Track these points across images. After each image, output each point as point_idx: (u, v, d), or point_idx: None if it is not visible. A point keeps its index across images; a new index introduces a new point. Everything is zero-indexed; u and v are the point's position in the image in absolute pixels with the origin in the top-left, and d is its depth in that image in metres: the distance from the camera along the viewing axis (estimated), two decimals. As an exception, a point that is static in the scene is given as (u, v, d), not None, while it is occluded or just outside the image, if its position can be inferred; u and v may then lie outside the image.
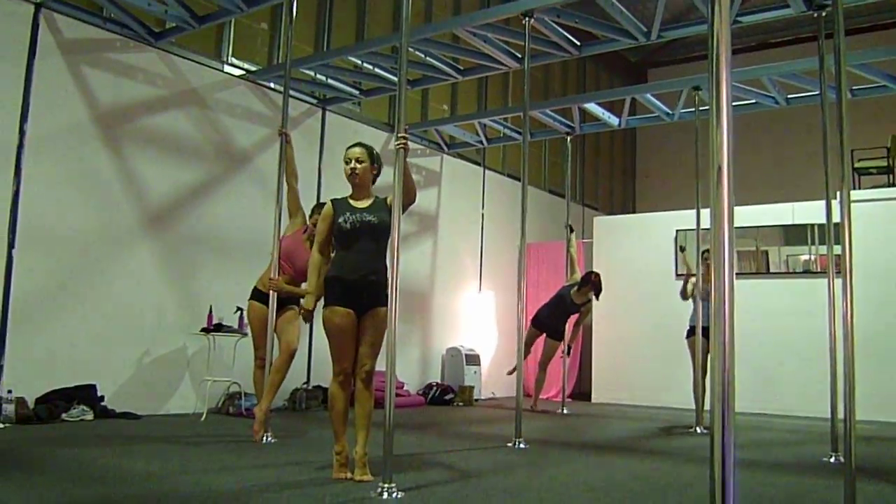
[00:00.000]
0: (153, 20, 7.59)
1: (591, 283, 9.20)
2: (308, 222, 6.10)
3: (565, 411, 9.44)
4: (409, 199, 4.26)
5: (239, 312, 7.43)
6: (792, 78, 8.23)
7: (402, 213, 4.15)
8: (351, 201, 4.43)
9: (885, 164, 11.29)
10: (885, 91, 8.24)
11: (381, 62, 8.59)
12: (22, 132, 6.53)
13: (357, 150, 4.47)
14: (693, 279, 7.93)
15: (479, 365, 11.09)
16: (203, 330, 7.35)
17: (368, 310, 4.29)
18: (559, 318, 9.53)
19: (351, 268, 4.29)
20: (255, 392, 6.25)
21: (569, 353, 9.62)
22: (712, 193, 1.90)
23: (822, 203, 5.80)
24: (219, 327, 7.37)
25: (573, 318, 9.60)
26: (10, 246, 6.40)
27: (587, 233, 13.00)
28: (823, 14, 6.24)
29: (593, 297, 9.39)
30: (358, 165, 4.42)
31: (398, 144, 4.10)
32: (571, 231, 9.72)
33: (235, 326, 7.43)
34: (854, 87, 8.23)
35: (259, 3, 7.08)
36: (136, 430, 6.20)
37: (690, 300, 7.96)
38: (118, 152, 7.29)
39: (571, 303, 9.42)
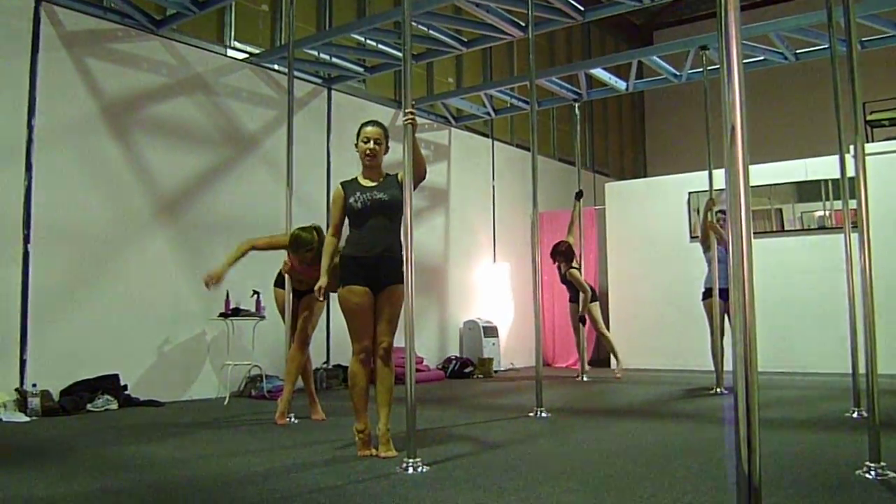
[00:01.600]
0: (154, 7, 7.56)
1: (553, 255, 9.53)
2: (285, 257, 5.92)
3: (585, 378, 9.45)
4: (419, 174, 4.25)
5: (256, 296, 7.46)
6: (800, 32, 8.13)
7: (413, 189, 4.14)
8: (361, 180, 4.43)
9: (898, 115, 11.16)
10: (894, 41, 8.12)
11: (384, 38, 8.54)
12: (30, 127, 6.55)
13: (375, 129, 4.45)
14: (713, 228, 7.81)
15: (497, 336, 11.11)
16: (221, 315, 7.39)
17: (384, 287, 4.30)
18: (573, 291, 9.61)
19: (365, 246, 4.30)
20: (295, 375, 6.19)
21: (583, 322, 9.63)
22: (726, 153, 1.88)
23: (835, 158, 5.73)
24: (236, 312, 7.41)
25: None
26: (26, 241, 6.44)
27: (598, 199, 12.95)
28: (830, -35, 6.13)
29: (574, 268, 9.51)
30: (376, 147, 4.41)
31: (406, 120, 4.08)
32: (578, 198, 9.68)
33: (253, 310, 7.47)
34: (863, 39, 8.11)
35: (258, -16, 7.04)
36: (161, 417, 6.26)
37: (706, 261, 7.90)
38: (127, 142, 7.30)
39: (565, 277, 9.62)
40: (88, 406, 6.44)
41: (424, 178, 4.36)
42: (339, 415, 6.03)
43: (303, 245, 5.59)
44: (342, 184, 4.47)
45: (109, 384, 6.74)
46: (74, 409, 6.33)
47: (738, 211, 1.85)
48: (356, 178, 4.45)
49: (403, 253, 4.09)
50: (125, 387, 6.89)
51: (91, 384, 6.63)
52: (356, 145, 4.49)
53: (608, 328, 11.35)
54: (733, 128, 1.87)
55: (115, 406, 6.59)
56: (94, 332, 6.86)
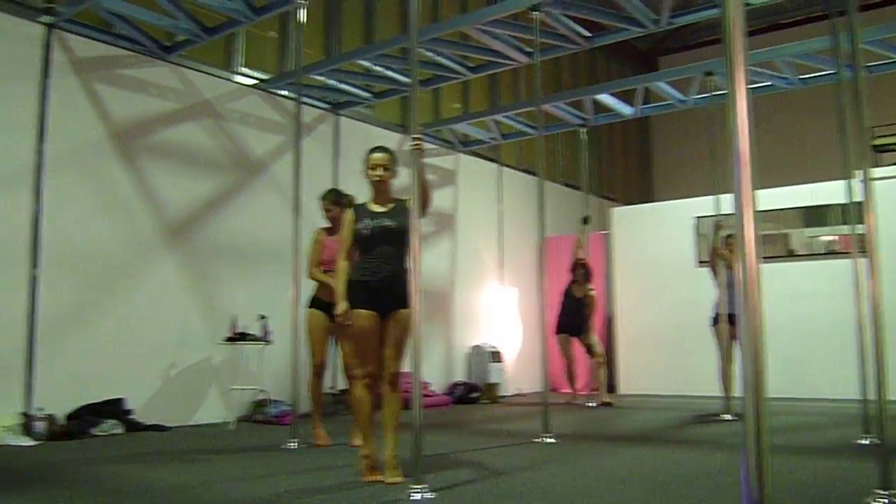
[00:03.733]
0: (163, 34, 7.63)
1: (573, 270, 9.63)
2: (322, 206, 6.18)
3: (592, 404, 9.40)
4: (424, 203, 4.27)
5: (263, 320, 7.46)
6: (806, 58, 8.16)
7: (421, 217, 4.15)
8: (370, 206, 4.45)
9: (905, 139, 11.17)
10: (900, 66, 8.15)
11: (391, 64, 8.59)
12: (40, 152, 6.59)
13: (383, 156, 4.47)
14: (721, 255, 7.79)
15: (503, 361, 11.07)
16: (227, 339, 7.39)
17: (391, 312, 4.30)
18: (577, 315, 9.55)
19: (372, 271, 4.31)
20: (311, 401, 6.22)
21: (590, 351, 9.60)
22: (734, 178, 1.88)
23: (842, 183, 5.75)
24: (243, 336, 7.40)
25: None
26: (34, 265, 6.46)
27: (605, 224, 12.95)
28: (834, -9, 6.18)
29: (591, 292, 9.62)
30: (384, 173, 4.44)
31: (413, 146, 4.10)
32: (586, 223, 9.69)
33: (259, 335, 7.46)
34: (869, 64, 8.14)
35: (267, 11, 7.10)
36: (166, 442, 6.24)
37: (715, 287, 7.88)
38: (135, 167, 7.34)
39: (575, 297, 9.62)
40: (94, 430, 6.42)
41: (429, 206, 4.39)
42: (347, 440, 6.00)
43: (339, 194, 6.12)
44: (354, 207, 4.51)
45: (115, 408, 6.73)
46: (80, 434, 6.31)
47: (745, 236, 1.84)
48: (366, 203, 4.48)
49: (410, 277, 4.09)
50: (131, 411, 6.87)
51: (97, 408, 6.62)
52: (364, 171, 4.51)
53: (615, 353, 11.35)
54: (740, 153, 1.87)
55: (120, 430, 6.58)
56: (100, 355, 6.85)
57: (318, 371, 6.08)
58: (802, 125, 14.05)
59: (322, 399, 6.29)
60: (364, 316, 4.27)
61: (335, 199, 6.14)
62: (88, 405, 6.59)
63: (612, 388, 11.41)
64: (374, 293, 4.29)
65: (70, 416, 6.47)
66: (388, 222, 4.34)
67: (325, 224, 6.19)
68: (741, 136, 1.87)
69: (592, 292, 9.67)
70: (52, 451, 5.56)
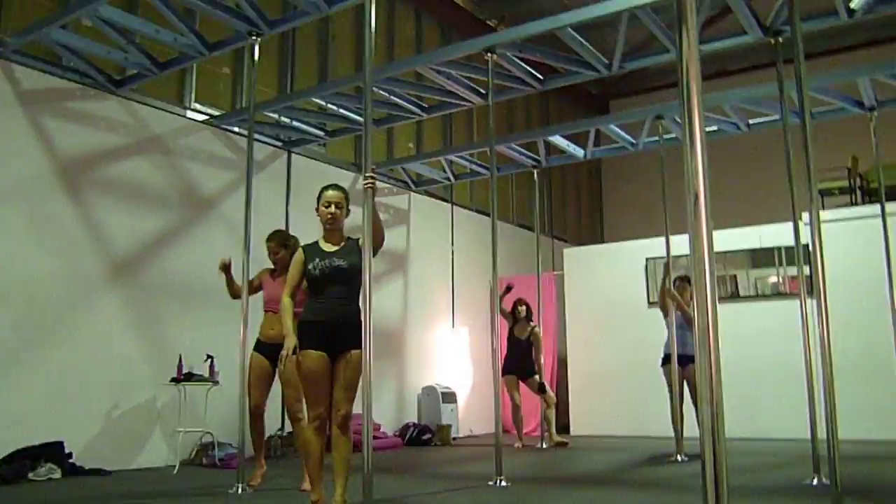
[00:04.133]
0: (113, 68, 7.52)
1: (512, 311, 9.63)
2: (267, 247, 6.08)
3: (545, 445, 9.34)
4: (377, 241, 4.23)
5: (209, 360, 7.29)
6: (752, 104, 8.34)
7: (373, 255, 4.11)
8: (322, 245, 4.38)
9: (847, 183, 11.46)
10: (842, 113, 8.37)
11: (345, 102, 8.58)
12: (-20, 185, 6.41)
13: (336, 193, 4.42)
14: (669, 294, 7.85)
15: (455, 402, 10.98)
16: (173, 380, 7.19)
17: (342, 353, 4.21)
18: (525, 357, 9.53)
19: (323, 311, 4.24)
20: (253, 444, 6.07)
21: (542, 391, 9.54)
22: (689, 220, 1.87)
23: (788, 225, 5.85)
24: (189, 376, 7.22)
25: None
26: (-29, 302, 6.24)
27: (557, 265, 13.02)
28: (780, 40, 6.34)
29: (533, 329, 9.61)
30: (337, 211, 4.38)
31: (366, 184, 4.06)
32: (507, 292, 9.56)
33: (206, 375, 7.29)
34: (813, 110, 8.34)
35: (220, 47, 7.04)
36: (107, 487, 6.01)
37: (666, 327, 7.92)
38: (81, 201, 7.17)
39: (520, 339, 9.59)
40: (30, 475, 6.16)
41: (382, 246, 4.34)
42: (294, 484, 5.86)
43: (286, 237, 6.09)
44: (303, 248, 4.42)
45: (53, 452, 6.46)
46: (15, 479, 6.04)
47: (702, 277, 1.83)
48: (317, 242, 4.40)
49: (362, 318, 4.01)
50: (70, 455, 6.62)
51: (34, 452, 6.35)
52: (317, 209, 4.45)
53: (567, 393, 11.35)
54: (696, 195, 1.87)
55: (58, 475, 6.32)
56: (38, 396, 6.61)
57: (255, 413, 5.93)
58: (749, 169, 14.34)
59: (263, 440, 6.11)
60: (314, 357, 4.18)
61: (282, 242, 6.06)
62: (25, 448, 6.32)
63: (565, 428, 11.38)
64: (324, 333, 4.20)
65: (4, 461, 6.19)
66: (339, 262, 4.27)
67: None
68: (697, 178, 1.86)
69: (537, 329, 9.66)
70: (-15, 498, 5.33)
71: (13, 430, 6.36)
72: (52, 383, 6.72)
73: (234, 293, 6.11)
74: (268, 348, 5.86)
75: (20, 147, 6.78)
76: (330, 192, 4.43)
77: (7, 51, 6.66)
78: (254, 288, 6.09)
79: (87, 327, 7.06)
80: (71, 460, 6.60)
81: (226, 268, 6.02)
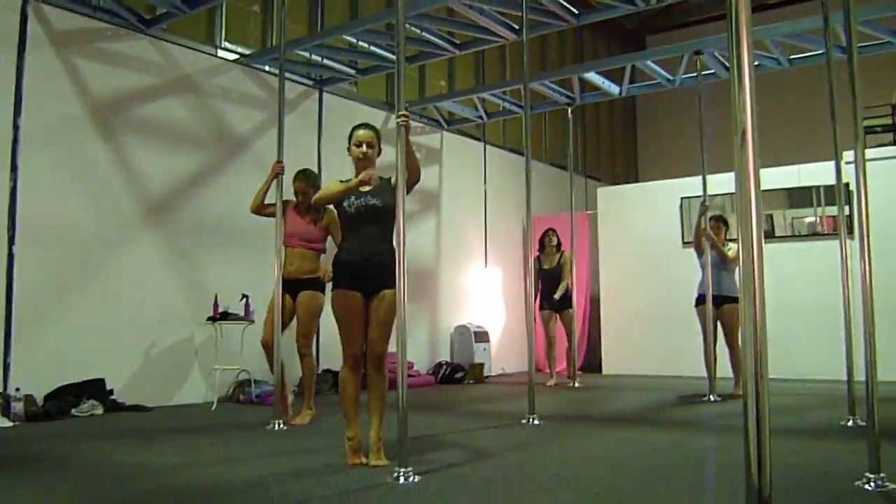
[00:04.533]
0: (143, 7, 7.47)
1: (540, 241, 9.72)
2: (294, 186, 6.14)
3: (577, 384, 9.39)
4: (413, 178, 4.19)
5: (245, 300, 7.37)
6: (795, 38, 8.10)
7: (407, 193, 4.08)
8: None
9: (891, 121, 11.15)
10: (888, 48, 8.11)
11: (376, 40, 8.47)
12: (16, 127, 6.44)
13: (367, 132, 4.38)
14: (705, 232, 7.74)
15: (488, 342, 11.04)
16: (209, 319, 7.29)
17: (376, 292, 4.21)
18: (554, 287, 9.53)
19: (357, 250, 4.23)
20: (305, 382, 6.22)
21: (564, 307, 9.59)
22: (735, 158, 1.82)
23: (828, 164, 5.71)
24: (225, 315, 7.31)
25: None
26: (11, 243, 6.33)
27: (591, 204, 12.92)
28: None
29: (563, 253, 9.71)
30: (369, 150, 4.34)
31: (400, 121, 4.01)
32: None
33: (242, 314, 7.37)
34: (858, 45, 8.07)
35: (250, -16, 6.95)
36: (148, 422, 6.16)
37: (699, 268, 7.84)
38: (114, 143, 7.20)
39: (550, 270, 9.61)
40: (73, 411, 6.33)
41: (419, 182, 4.30)
42: (328, 421, 5.95)
43: (311, 176, 6.20)
44: (340, 182, 4.36)
45: (95, 388, 6.62)
46: (59, 414, 6.21)
47: (748, 216, 1.78)
48: (350, 181, 4.36)
49: (395, 257, 4.00)
50: (111, 391, 6.78)
51: (76, 388, 6.51)
52: (348, 149, 4.42)
53: (599, 333, 11.38)
54: (743, 132, 1.80)
55: (100, 411, 6.48)
56: (79, 335, 6.75)
57: (265, 347, 6.02)
58: (787, 106, 14.02)
59: (309, 378, 6.18)
60: (348, 296, 4.19)
61: (311, 182, 6.09)
62: (68, 385, 6.49)
63: (597, 367, 11.43)
64: (359, 273, 4.20)
65: (48, 397, 6.36)
66: (373, 201, 4.25)
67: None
68: (745, 113, 1.80)
69: (566, 253, 9.72)
70: (31, 433, 5.48)
71: (56, 367, 6.52)
72: (91, 323, 6.84)
73: (257, 206, 6.11)
74: (287, 284, 5.92)
75: (54, 89, 6.78)
76: (361, 132, 4.38)
77: (38, -10, 6.63)
78: (273, 213, 6.05)
79: (125, 267, 7.16)
80: (112, 397, 6.75)
81: (276, 174, 6.01)
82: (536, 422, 5.84)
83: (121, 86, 7.30)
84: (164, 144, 7.60)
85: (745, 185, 1.78)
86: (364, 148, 4.33)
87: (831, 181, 5.93)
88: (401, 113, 4.02)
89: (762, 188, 1.73)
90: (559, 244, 9.71)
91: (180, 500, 3.38)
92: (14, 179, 6.39)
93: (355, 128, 4.43)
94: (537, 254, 9.72)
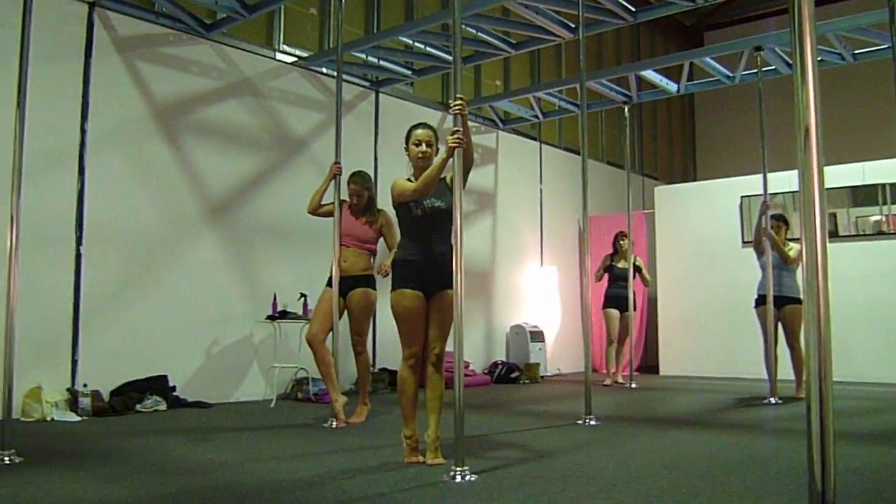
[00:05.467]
0: (204, 12, 7.62)
1: (614, 243, 9.87)
2: (349, 188, 6.18)
3: (634, 385, 9.30)
4: (468, 163, 4.20)
5: (303, 299, 7.46)
6: (858, 32, 7.90)
7: (464, 182, 4.10)
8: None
9: (960, 117, 10.81)
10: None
11: (432, 41, 8.50)
12: (83, 131, 6.64)
13: (426, 132, 4.39)
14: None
15: (543, 341, 11.00)
16: (268, 317, 7.41)
17: (436, 292, 4.24)
18: (626, 290, 9.48)
19: (421, 251, 4.26)
20: (325, 378, 6.16)
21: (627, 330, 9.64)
22: (799, 156, 1.79)
23: (894, 161, 5.56)
24: (284, 314, 7.42)
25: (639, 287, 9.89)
26: (79, 243, 6.52)
27: (648, 203, 12.78)
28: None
29: (637, 258, 9.89)
30: (428, 149, 4.36)
31: (456, 108, 4.01)
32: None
33: (300, 313, 7.47)
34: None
35: (307, -13, 7.03)
36: (209, 418, 6.28)
37: (760, 268, 7.71)
38: (177, 145, 7.36)
39: (623, 270, 9.66)
40: (138, 406, 6.49)
41: (471, 168, 4.30)
42: (384, 419, 5.99)
43: (366, 178, 6.20)
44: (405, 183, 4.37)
45: (158, 385, 6.79)
46: (124, 410, 6.38)
47: (812, 216, 1.75)
48: (409, 181, 4.39)
49: (453, 257, 4.01)
50: (174, 388, 6.94)
51: (140, 385, 6.68)
52: (406, 148, 4.44)
53: (656, 334, 11.27)
54: (807, 129, 1.77)
55: (163, 407, 6.64)
56: (143, 333, 6.92)
57: (309, 342, 6.02)
58: (850, 103, 13.66)
59: (330, 369, 6.04)
60: (410, 296, 4.22)
61: (366, 184, 6.15)
62: (132, 382, 6.67)
63: (654, 368, 11.32)
64: (422, 273, 4.23)
65: (114, 393, 6.54)
66: (438, 203, 4.27)
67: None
68: (809, 111, 1.77)
69: (638, 260, 9.87)
70: (98, 427, 5.63)
71: (121, 364, 6.69)
72: (154, 321, 7.01)
73: (315, 206, 6.21)
74: (340, 281, 5.98)
75: (119, 93, 6.97)
76: (420, 131, 4.40)
77: (103, -2, 6.82)
78: (329, 212, 6.14)
79: (186, 266, 7.31)
80: (175, 393, 6.91)
81: (334, 175, 6.09)
82: (593, 422, 5.80)
83: (183, 89, 7.47)
84: (225, 146, 7.75)
85: (809, 183, 1.75)
86: (423, 147, 4.35)
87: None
88: (458, 97, 4.02)
89: (830, 186, 1.70)
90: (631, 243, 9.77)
91: (238, 495, 3.45)
92: (82, 182, 6.59)
93: (413, 127, 4.45)
94: (611, 252, 9.85)
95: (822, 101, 1.84)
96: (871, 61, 8.64)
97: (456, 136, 4.01)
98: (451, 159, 4.05)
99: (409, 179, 4.38)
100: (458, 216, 4.00)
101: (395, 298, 4.26)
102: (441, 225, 4.28)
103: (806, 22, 1.80)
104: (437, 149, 4.44)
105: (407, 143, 4.43)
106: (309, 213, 6.26)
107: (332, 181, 6.10)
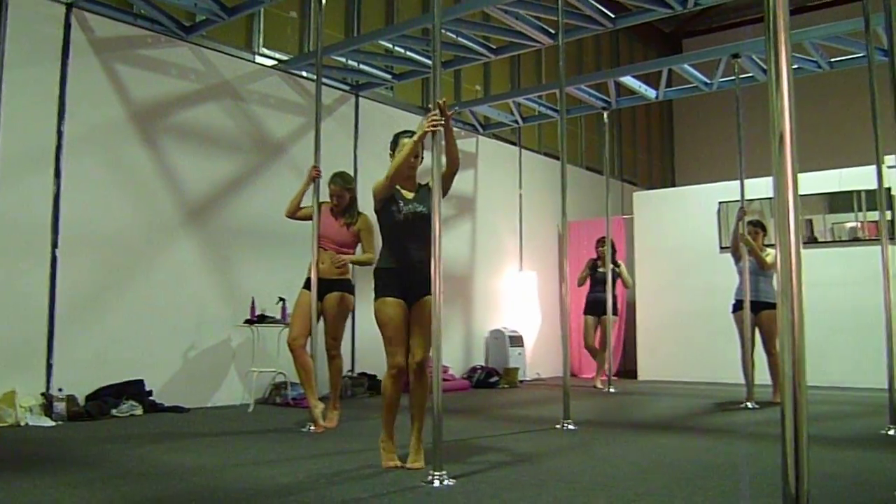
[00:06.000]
0: (183, 14, 7.58)
1: (599, 243, 9.94)
2: (329, 189, 6.15)
3: (612, 390, 9.34)
4: (453, 167, 4.20)
5: (281, 303, 7.43)
6: (835, 40, 7.99)
7: (447, 184, 4.11)
8: (400, 189, 4.36)
9: (934, 125, 10.95)
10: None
11: (412, 45, 8.50)
12: (60, 133, 6.57)
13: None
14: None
15: (522, 346, 11.02)
16: (246, 321, 7.37)
17: (417, 299, 4.23)
18: (605, 296, 9.54)
19: (402, 258, 4.25)
20: (304, 383, 6.07)
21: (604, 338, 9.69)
22: (774, 162, 1.80)
23: (869, 168, 5.63)
24: (262, 318, 7.38)
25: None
26: (54, 246, 6.46)
27: (627, 209, 12.85)
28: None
29: (620, 263, 9.95)
30: (414, 159, 4.33)
31: (430, 123, 4.02)
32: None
33: (278, 317, 7.44)
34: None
35: (287, -9, 7.02)
36: (185, 423, 6.23)
37: (738, 273, 7.77)
38: (155, 148, 7.32)
39: (604, 275, 9.72)
40: (113, 411, 6.43)
41: (457, 169, 4.29)
42: (362, 423, 5.97)
43: (347, 179, 6.16)
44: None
45: (134, 389, 6.73)
46: (100, 414, 6.32)
47: (786, 222, 1.77)
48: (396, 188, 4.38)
49: (433, 262, 4.01)
50: (150, 392, 6.88)
51: (116, 389, 6.62)
52: (391, 156, 4.43)
53: (634, 339, 11.32)
54: (781, 136, 1.79)
55: (139, 412, 6.58)
56: (119, 337, 6.86)
57: (290, 346, 5.94)
58: (826, 110, 13.80)
59: (310, 374, 5.95)
60: (392, 304, 4.20)
61: (347, 185, 6.12)
62: (108, 386, 6.60)
63: (632, 373, 11.37)
64: (404, 281, 4.23)
65: (89, 397, 6.48)
66: (420, 208, 4.27)
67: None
68: (783, 117, 1.79)
69: (621, 263, 9.92)
70: (73, 432, 5.57)
71: (97, 368, 6.63)
72: (131, 324, 6.95)
73: (293, 209, 6.17)
74: (317, 284, 5.94)
75: (96, 95, 6.91)
76: (407, 139, 4.38)
77: (80, 0, 6.75)
78: (307, 216, 6.13)
79: (164, 270, 7.26)
80: (151, 397, 6.85)
81: (313, 179, 6.08)
82: (571, 427, 5.82)
83: (161, 92, 7.42)
84: (203, 149, 7.71)
85: (783, 189, 1.77)
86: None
87: (873, 185, 5.85)
88: (438, 101, 4.02)
89: (801, 193, 1.71)
90: (614, 252, 9.86)
91: (216, 500, 3.43)
92: (58, 184, 6.52)
93: (399, 135, 4.45)
94: (595, 257, 9.94)
95: (799, 108, 1.86)
96: (847, 69, 8.74)
97: (432, 120, 4.00)
98: (433, 163, 4.05)
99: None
100: (437, 220, 3.99)
101: (378, 307, 4.25)
102: (423, 230, 4.24)
103: (780, 31, 1.82)
104: (423, 156, 4.44)
105: (393, 150, 4.43)
106: (287, 216, 6.24)
107: (311, 185, 6.09)
